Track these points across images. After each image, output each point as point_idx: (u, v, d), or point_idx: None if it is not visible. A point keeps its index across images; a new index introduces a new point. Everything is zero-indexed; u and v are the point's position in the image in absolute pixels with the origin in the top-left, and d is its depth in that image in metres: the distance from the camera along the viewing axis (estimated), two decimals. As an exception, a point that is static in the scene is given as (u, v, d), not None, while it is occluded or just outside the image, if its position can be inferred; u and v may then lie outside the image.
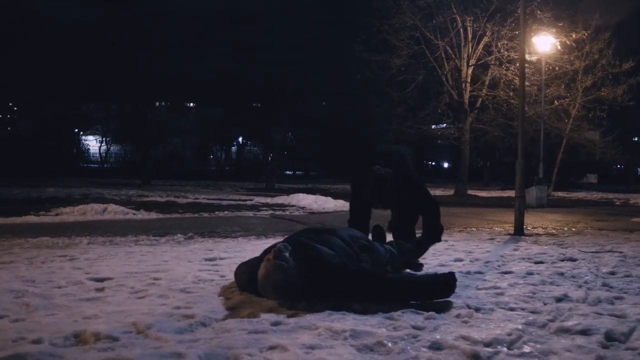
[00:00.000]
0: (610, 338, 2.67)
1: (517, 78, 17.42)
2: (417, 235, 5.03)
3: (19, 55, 32.27)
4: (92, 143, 48.91)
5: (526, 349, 2.48)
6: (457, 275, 4.34)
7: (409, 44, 20.94)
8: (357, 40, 21.44)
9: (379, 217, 5.18)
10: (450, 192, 23.71)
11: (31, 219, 9.50)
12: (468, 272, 4.54)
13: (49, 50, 33.91)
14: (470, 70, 21.28)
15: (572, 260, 5.36)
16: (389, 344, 2.49)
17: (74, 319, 2.91)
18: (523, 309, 3.23)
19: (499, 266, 4.93)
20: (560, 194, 25.59)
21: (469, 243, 6.80)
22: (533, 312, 3.15)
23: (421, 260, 5.09)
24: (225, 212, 12.00)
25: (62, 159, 42.70)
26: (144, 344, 2.45)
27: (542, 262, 5.20)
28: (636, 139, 41.92)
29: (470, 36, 20.96)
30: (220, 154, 51.90)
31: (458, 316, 3.02)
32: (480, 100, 21.84)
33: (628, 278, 4.37)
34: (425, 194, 4.93)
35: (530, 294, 3.65)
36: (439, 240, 5.07)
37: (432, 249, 6.04)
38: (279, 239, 4.27)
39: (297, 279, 3.18)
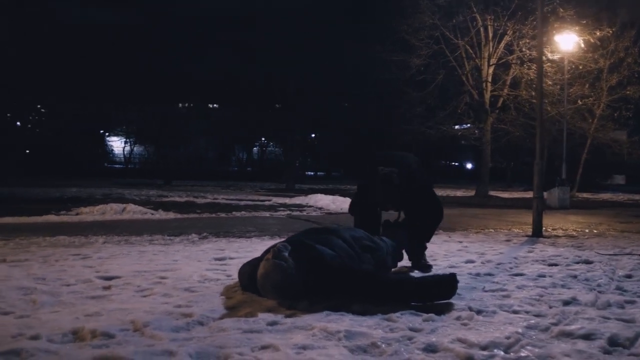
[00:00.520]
0: (613, 343, 2.61)
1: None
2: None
3: (45, 57, 32.78)
4: (117, 144, 49.56)
5: (523, 353, 2.44)
6: (465, 277, 4.34)
7: (428, 44, 20.80)
8: (377, 40, 21.41)
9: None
10: (472, 193, 23.50)
11: (51, 218, 9.64)
12: (477, 274, 4.48)
13: (75, 52, 34.43)
14: (491, 70, 21.05)
15: (588, 262, 5.26)
16: (383, 346, 2.46)
17: (75, 316, 2.94)
18: (527, 312, 3.18)
19: (510, 268, 4.86)
20: (584, 195, 25.20)
21: (484, 244, 6.72)
22: (537, 316, 3.10)
23: (431, 261, 5.06)
24: (242, 212, 12.05)
25: (87, 159, 43.30)
26: (138, 342, 2.47)
27: (556, 265, 5.11)
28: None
29: (490, 35, 20.74)
30: (241, 154, 52.18)
31: (458, 318, 2.98)
32: (501, 100, 21.61)
33: (644, 281, 4.27)
34: (430, 196, 4.88)
35: (537, 297, 3.59)
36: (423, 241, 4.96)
37: (444, 250, 6.02)
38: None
39: (297, 278, 3.18)
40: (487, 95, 21.08)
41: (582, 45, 20.52)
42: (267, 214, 11.75)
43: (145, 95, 35.91)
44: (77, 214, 10.51)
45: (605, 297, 3.61)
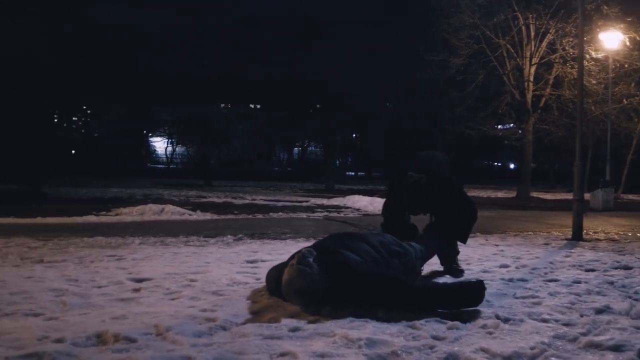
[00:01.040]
0: (644, 356, 2.51)
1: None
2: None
3: (90, 59, 33.54)
4: (160, 144, 50.45)
5: (547, 364, 2.37)
6: (497, 282, 4.26)
7: (468, 43, 20.52)
8: (418, 40, 21.25)
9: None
10: (514, 194, 23.08)
11: (91, 218, 9.86)
12: (510, 280, 4.39)
13: (119, 53, 35.13)
14: (533, 69, 20.64)
15: (627, 268, 5.10)
16: (403, 355, 2.43)
17: (102, 319, 2.99)
18: (556, 321, 3.09)
19: (545, 274, 4.74)
20: (629, 197, 24.53)
21: (520, 248, 6.59)
22: (566, 325, 3.01)
23: (465, 266, 4.98)
24: (280, 213, 12.10)
25: (131, 159, 44.18)
26: (158, 347, 2.49)
27: (593, 270, 4.97)
28: None
29: (532, 34, 20.32)
30: (282, 154, 52.48)
31: (483, 327, 2.91)
32: (543, 99, 21.18)
33: (686, 289, 4.10)
34: (460, 197, 4.78)
35: (569, 304, 3.49)
36: (456, 240, 4.84)
37: (479, 254, 5.92)
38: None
39: (320, 284, 3.16)
40: (529, 95, 20.68)
41: (628, 43, 19.91)
42: (304, 215, 11.78)
43: (187, 96, 36.43)
44: (116, 215, 10.72)
45: (641, 306, 3.48)
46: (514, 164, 60.20)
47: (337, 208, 14.07)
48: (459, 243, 4.91)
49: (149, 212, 10.99)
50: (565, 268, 5.09)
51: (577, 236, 7.84)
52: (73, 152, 42.33)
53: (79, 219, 9.60)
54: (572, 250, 6.44)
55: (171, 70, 35.06)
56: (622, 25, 19.20)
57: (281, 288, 3.28)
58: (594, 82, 19.48)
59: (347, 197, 16.39)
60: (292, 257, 3.36)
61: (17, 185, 17.46)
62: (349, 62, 30.25)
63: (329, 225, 9.47)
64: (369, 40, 30.20)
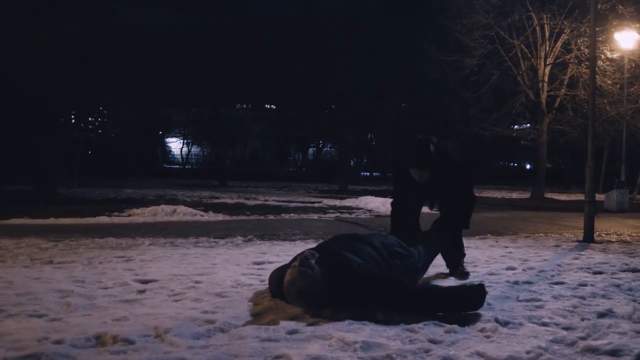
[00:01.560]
0: (642, 361, 2.50)
1: (597, 77, 16.66)
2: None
3: (106, 59, 33.76)
4: (175, 144, 50.72)
5: (542, 369, 2.36)
6: (502, 285, 4.25)
7: (482, 44, 20.40)
8: (430, 40, 21.14)
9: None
10: (528, 195, 22.91)
11: (103, 219, 9.95)
12: (515, 282, 4.36)
13: (135, 54, 35.30)
14: (547, 70, 20.46)
15: (636, 271, 5.05)
16: (397, 358, 2.43)
17: (103, 320, 3.03)
18: (556, 325, 3.07)
19: (551, 276, 4.71)
20: (646, 198, 24.25)
21: (529, 250, 6.55)
22: (566, 328, 3.00)
23: (471, 268, 4.96)
24: (291, 214, 12.13)
25: (147, 160, 44.45)
26: (155, 349, 2.52)
27: (600, 273, 4.94)
28: None
29: (547, 34, 20.16)
30: (297, 155, 52.53)
31: (482, 330, 2.90)
32: (558, 100, 21.00)
33: (696, 293, 4.06)
34: (468, 183, 4.76)
35: (572, 308, 3.47)
36: (459, 228, 4.83)
37: (487, 256, 5.90)
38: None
39: (322, 286, 3.18)
40: (544, 96, 20.51)
41: (644, 43, 19.71)
42: (315, 216, 11.79)
43: (202, 96, 36.55)
44: (129, 215, 10.81)
45: (644, 310, 3.45)
46: (530, 165, 59.79)
47: (349, 209, 14.06)
48: (465, 245, 4.90)
49: (161, 213, 11.06)
50: (572, 270, 5.05)
51: (588, 238, 7.78)
52: (89, 152, 42.66)
53: (91, 220, 9.69)
54: (582, 253, 6.39)
55: (186, 71, 35.20)
56: (637, 25, 18.99)
57: (283, 290, 3.30)
58: (609, 82, 19.28)
59: (360, 197, 16.38)
60: (295, 258, 3.38)
61: (31, 186, 17.66)
62: (362, 62, 30.16)
63: (339, 227, 9.48)
64: (369, 41, 30.09)
